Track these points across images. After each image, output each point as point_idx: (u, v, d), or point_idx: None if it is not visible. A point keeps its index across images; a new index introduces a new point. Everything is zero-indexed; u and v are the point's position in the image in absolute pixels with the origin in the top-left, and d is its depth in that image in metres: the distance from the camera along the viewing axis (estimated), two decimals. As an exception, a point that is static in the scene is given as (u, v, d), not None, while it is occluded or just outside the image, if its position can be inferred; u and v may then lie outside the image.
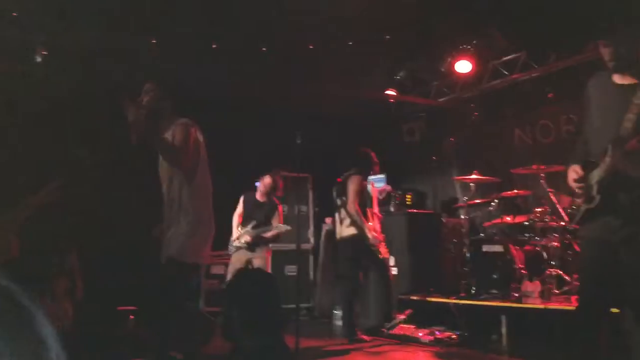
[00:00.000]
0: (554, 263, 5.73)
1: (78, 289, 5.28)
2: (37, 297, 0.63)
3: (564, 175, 3.34)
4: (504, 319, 5.44)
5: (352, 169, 6.13)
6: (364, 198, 6.05)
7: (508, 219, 6.33)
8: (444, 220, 7.48)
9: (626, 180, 2.97)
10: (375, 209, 6.31)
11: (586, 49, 6.36)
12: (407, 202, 7.85)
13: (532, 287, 5.61)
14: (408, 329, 5.85)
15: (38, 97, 6.24)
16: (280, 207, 6.56)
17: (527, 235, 6.20)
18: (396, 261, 6.82)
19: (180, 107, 3.90)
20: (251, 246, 6.30)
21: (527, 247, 6.22)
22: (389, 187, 7.61)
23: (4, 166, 5.68)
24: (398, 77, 8.14)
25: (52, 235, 5.27)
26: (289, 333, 4.40)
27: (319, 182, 8.06)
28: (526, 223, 6.16)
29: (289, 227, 6.25)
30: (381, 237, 6.05)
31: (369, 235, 5.87)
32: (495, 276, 6.11)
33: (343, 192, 6.07)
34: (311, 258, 8.39)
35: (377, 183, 6.93)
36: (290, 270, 7.94)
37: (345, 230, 6.04)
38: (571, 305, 4.96)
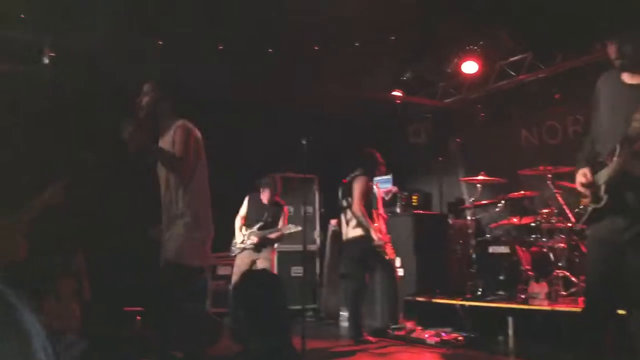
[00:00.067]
0: (560, 264, 5.71)
1: (85, 289, 5.30)
2: (24, 296, 0.63)
3: (571, 176, 3.32)
4: (510, 320, 5.42)
5: (358, 170, 6.12)
6: (369, 199, 6.03)
7: (515, 220, 6.31)
8: (450, 221, 7.47)
9: (634, 181, 2.94)
10: (381, 210, 6.30)
11: (593, 49, 6.33)
12: (413, 203, 7.81)
13: (539, 288, 5.59)
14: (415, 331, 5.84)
15: (43, 98, 6.26)
16: (285, 208, 6.57)
17: (533, 236, 6.17)
18: (402, 262, 6.79)
19: (183, 108, 3.87)
20: (257, 247, 6.31)
21: (534, 249, 6.18)
22: (395, 188, 7.60)
23: (8, 166, 5.69)
24: (404, 78, 8.13)
25: (56, 235, 5.27)
26: (295, 334, 4.39)
27: (325, 183, 8.05)
28: (533, 224, 6.14)
29: (299, 228, 6.22)
30: (387, 238, 6.03)
31: (374, 236, 5.85)
32: (501, 277, 6.09)
33: (349, 193, 6.05)
34: (317, 259, 8.38)
35: (383, 184, 6.91)
36: (297, 271, 7.94)
37: (352, 231, 6.03)
38: (578, 306, 4.92)
